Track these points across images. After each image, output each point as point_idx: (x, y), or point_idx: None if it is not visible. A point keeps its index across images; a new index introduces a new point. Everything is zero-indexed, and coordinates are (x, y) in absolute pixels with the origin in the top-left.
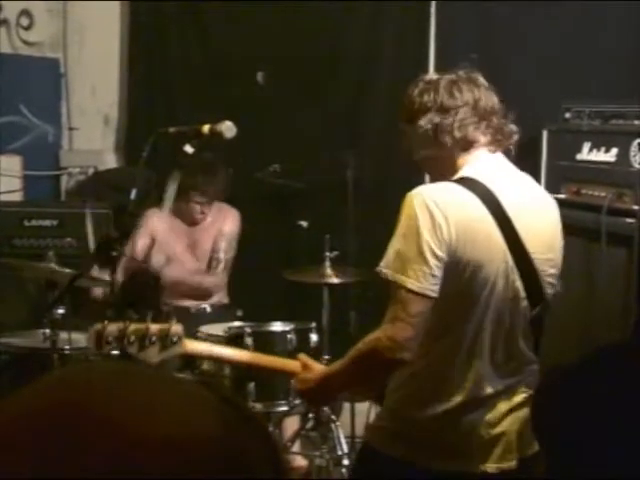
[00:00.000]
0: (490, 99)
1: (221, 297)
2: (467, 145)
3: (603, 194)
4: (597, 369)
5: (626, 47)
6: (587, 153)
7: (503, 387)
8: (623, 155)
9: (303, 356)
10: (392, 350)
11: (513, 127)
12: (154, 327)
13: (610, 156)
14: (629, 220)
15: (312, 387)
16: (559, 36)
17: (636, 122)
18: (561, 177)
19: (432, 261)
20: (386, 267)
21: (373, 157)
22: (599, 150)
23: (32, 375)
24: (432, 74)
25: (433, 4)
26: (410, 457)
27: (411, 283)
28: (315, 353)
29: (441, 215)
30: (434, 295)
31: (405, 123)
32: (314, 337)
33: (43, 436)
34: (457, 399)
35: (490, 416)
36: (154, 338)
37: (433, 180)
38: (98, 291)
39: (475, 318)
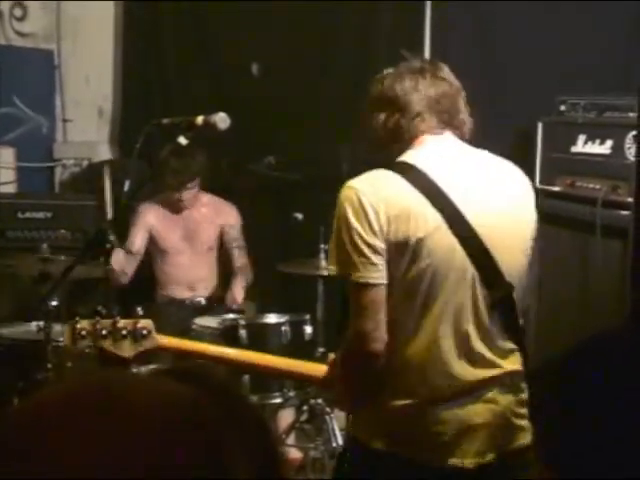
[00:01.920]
0: (434, 87)
1: (218, 290)
2: (415, 137)
3: (598, 187)
4: (593, 356)
5: (621, 39)
6: (582, 145)
7: (470, 380)
8: (618, 148)
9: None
10: (360, 344)
11: (464, 115)
12: (122, 321)
13: (605, 148)
14: (624, 212)
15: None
16: (554, 29)
17: (631, 114)
18: (556, 170)
19: (367, 250)
20: (331, 264)
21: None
22: (594, 142)
23: (25, 367)
24: (385, 71)
25: (428, 4)
26: (389, 449)
27: (354, 275)
28: (310, 345)
29: (369, 204)
30: (379, 282)
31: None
32: (308, 329)
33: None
34: (420, 391)
35: (463, 411)
36: (124, 332)
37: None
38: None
39: (423, 305)
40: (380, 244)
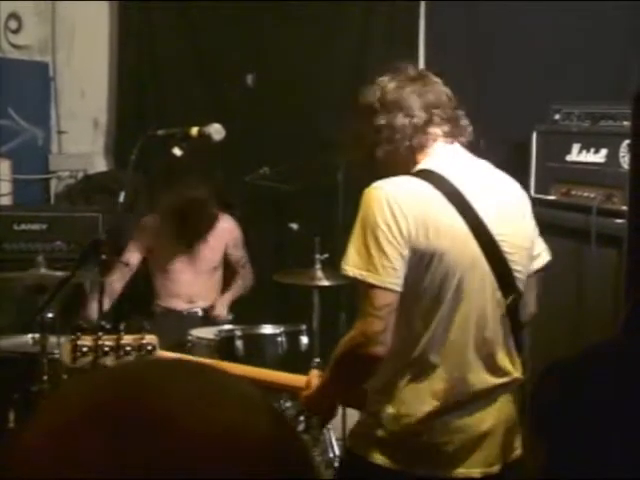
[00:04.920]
0: (437, 92)
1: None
2: (424, 141)
3: (593, 195)
4: (593, 365)
5: (616, 48)
6: (577, 154)
7: (484, 387)
8: (612, 156)
9: (314, 373)
10: (365, 345)
11: (465, 121)
12: (127, 337)
13: (599, 157)
14: (618, 221)
15: (313, 402)
16: (549, 36)
17: (625, 123)
18: (551, 178)
19: (392, 255)
20: (348, 264)
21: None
22: (588, 151)
23: (21, 379)
24: (382, 78)
25: (422, 4)
26: (393, 463)
27: (373, 278)
28: (306, 356)
29: (398, 209)
30: (397, 289)
31: (360, 124)
32: (304, 340)
33: (108, 431)
34: (435, 402)
35: (472, 419)
36: (129, 348)
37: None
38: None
39: (446, 314)
40: (405, 250)
